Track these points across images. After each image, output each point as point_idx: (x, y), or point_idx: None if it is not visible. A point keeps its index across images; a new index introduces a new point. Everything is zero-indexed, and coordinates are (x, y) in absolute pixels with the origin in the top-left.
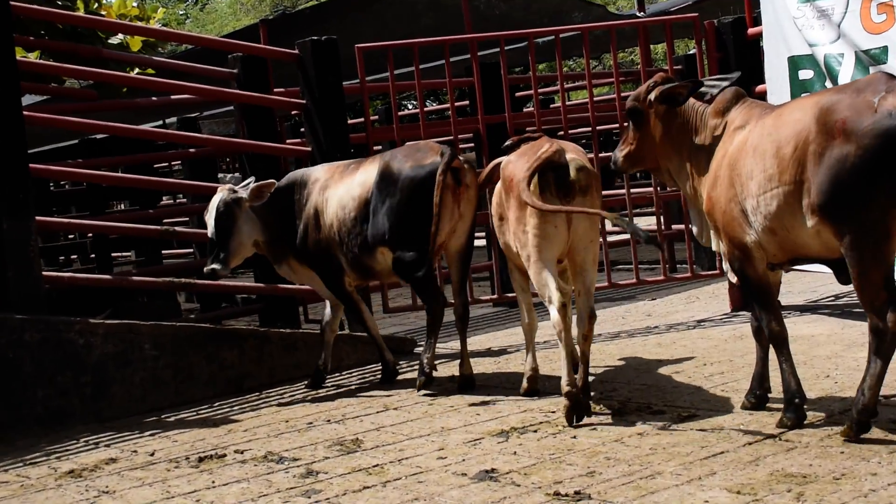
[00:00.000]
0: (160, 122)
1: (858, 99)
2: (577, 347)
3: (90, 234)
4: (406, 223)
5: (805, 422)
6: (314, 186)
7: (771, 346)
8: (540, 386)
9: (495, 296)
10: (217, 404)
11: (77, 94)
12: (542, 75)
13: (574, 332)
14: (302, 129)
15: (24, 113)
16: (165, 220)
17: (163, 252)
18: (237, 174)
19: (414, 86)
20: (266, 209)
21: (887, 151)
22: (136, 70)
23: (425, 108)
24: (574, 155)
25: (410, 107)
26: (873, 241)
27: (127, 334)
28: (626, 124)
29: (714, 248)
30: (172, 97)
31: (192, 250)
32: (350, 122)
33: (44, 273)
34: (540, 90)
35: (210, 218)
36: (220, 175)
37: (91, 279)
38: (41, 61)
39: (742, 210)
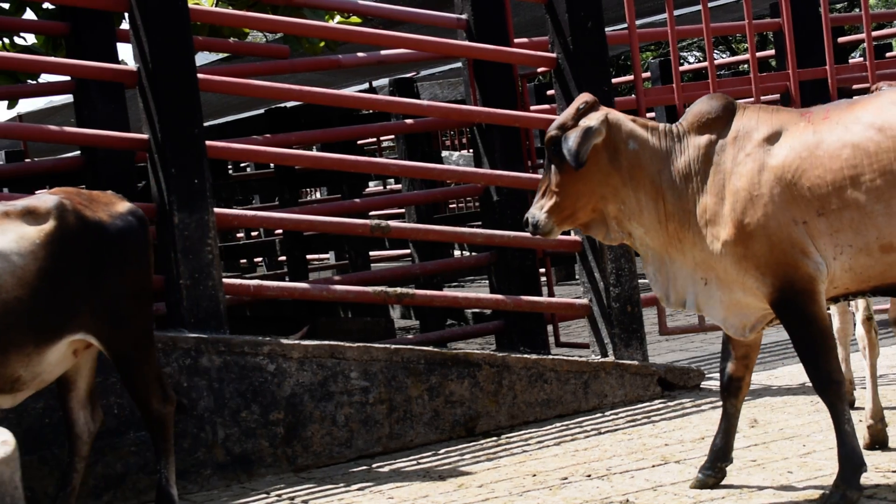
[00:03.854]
0: (367, 86)
1: None
2: None
3: (279, 231)
4: (134, 295)
5: None
6: None
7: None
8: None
9: None
10: (443, 452)
11: (263, 52)
12: (875, 13)
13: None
14: (550, 92)
15: (198, 76)
16: (373, 213)
17: (371, 254)
18: (465, 152)
19: (700, 31)
20: None
21: None
22: (338, 18)
23: (714, 62)
24: None
25: (692, 60)
26: None
27: (329, 359)
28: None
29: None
30: (383, 52)
31: (408, 251)
32: (614, 80)
33: (224, 280)
34: (874, 32)
35: None
36: (445, 153)
37: (282, 288)
38: (218, 9)
39: (810, 232)
